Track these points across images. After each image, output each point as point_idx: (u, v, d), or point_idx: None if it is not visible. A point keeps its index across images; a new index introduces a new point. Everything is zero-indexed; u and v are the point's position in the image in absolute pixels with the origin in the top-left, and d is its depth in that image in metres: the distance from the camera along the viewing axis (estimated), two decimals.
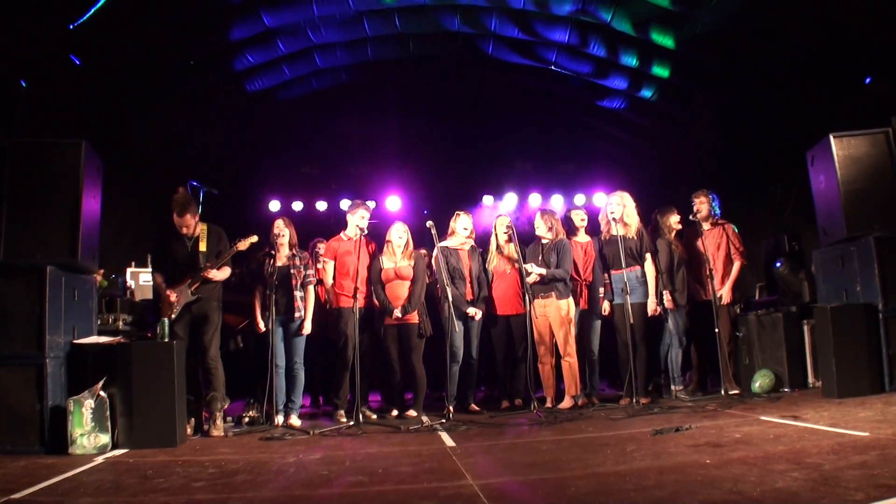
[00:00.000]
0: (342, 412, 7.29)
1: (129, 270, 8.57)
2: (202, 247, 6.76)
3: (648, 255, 7.51)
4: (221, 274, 6.81)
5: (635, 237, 7.53)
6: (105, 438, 5.63)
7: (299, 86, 10.62)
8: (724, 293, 7.67)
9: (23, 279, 5.79)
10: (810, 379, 7.45)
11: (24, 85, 6.76)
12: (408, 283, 7.41)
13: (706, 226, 7.74)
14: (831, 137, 6.91)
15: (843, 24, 7.51)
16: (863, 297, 6.71)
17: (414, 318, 7.38)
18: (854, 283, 6.84)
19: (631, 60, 9.61)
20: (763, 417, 5.70)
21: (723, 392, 7.17)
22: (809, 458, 3.96)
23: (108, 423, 5.66)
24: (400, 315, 7.31)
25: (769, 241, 9.15)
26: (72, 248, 5.93)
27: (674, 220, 7.88)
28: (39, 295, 5.75)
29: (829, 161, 6.93)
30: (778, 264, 8.55)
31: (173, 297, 6.58)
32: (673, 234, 7.84)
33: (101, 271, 7.35)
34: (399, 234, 7.51)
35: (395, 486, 4.06)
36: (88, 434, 5.59)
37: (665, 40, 9.08)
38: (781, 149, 8.90)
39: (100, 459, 5.28)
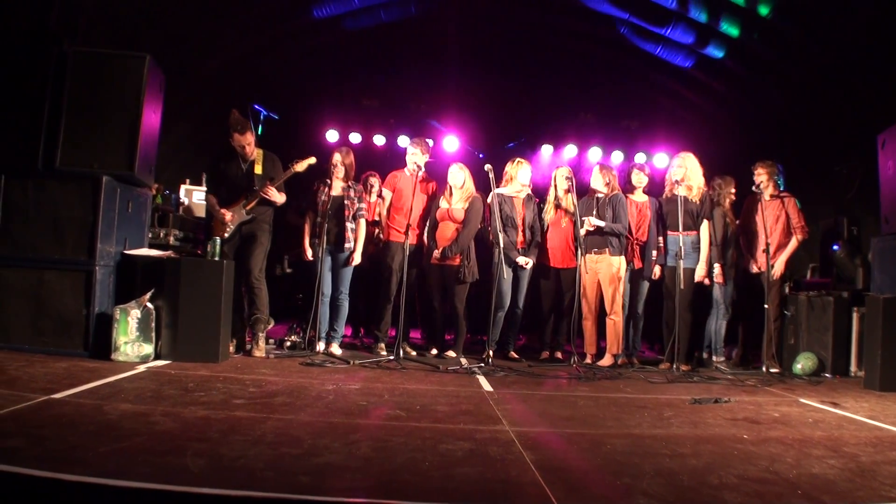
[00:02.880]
0: (383, 345, 7.39)
1: (183, 187, 8.65)
2: (257, 170, 6.80)
3: (706, 221, 7.35)
4: (279, 196, 6.84)
5: (698, 200, 7.37)
6: (148, 348, 5.75)
7: (367, 16, 10.46)
8: (778, 266, 7.45)
9: (78, 187, 5.89)
10: (853, 367, 7.29)
11: None
12: (456, 226, 7.36)
13: (766, 197, 7.49)
14: None
15: None
16: None
17: (457, 261, 7.32)
18: None
19: (703, 17, 9.29)
20: (802, 400, 5.64)
21: (763, 369, 7.08)
22: (847, 448, 3.92)
23: (153, 334, 5.78)
24: (439, 256, 7.31)
25: (828, 222, 8.94)
26: (129, 160, 6.00)
27: (731, 190, 7.73)
28: (94, 204, 5.86)
29: None
30: (835, 247, 8.37)
31: (228, 217, 6.64)
32: (728, 204, 7.70)
33: (157, 186, 7.43)
34: (454, 176, 7.44)
35: (431, 423, 4.10)
36: (132, 342, 5.72)
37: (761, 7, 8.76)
38: (852, 129, 8.62)
39: (142, 368, 5.41)
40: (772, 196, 7.53)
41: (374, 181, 8.04)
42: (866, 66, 8.16)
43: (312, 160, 7.00)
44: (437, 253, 7.31)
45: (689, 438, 4.03)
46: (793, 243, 7.51)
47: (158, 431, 3.49)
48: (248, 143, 6.73)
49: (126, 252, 6.22)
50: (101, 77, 6.01)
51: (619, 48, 10.89)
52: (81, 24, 6.53)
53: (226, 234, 6.60)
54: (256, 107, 8.28)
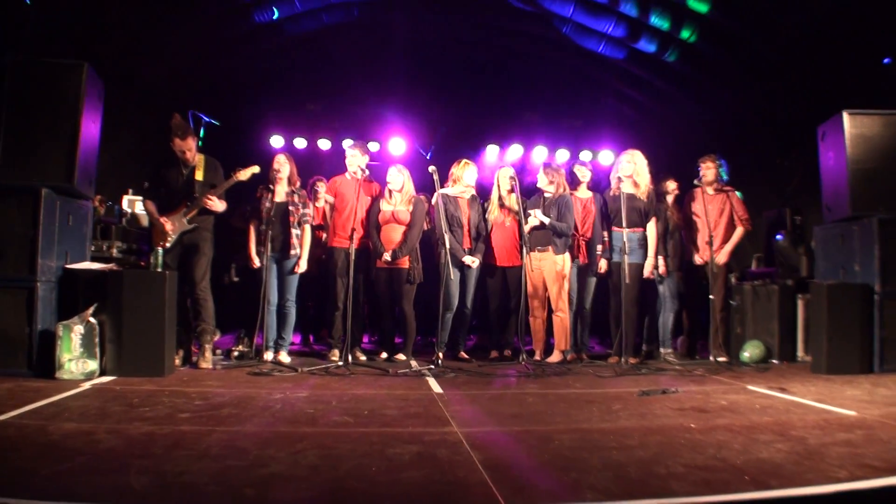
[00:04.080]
0: (336, 351, 7.30)
1: (126, 198, 8.48)
2: (198, 176, 6.67)
3: (653, 218, 7.43)
4: (220, 204, 6.73)
5: (644, 198, 7.43)
6: (93, 364, 5.63)
7: (309, 20, 10.39)
8: (722, 255, 7.54)
9: (17, 201, 5.73)
10: (800, 353, 7.47)
11: (28, 2, 6.60)
12: (403, 228, 7.35)
13: (710, 191, 7.62)
14: (844, 114, 6.87)
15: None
16: (860, 276, 6.71)
17: (405, 263, 7.33)
18: (853, 263, 6.84)
19: (655, 20, 9.38)
20: (750, 387, 5.72)
21: (711, 359, 7.18)
22: (794, 432, 3.97)
23: (97, 350, 5.67)
24: (390, 259, 7.29)
25: (772, 212, 9.10)
26: (68, 172, 5.88)
27: (671, 186, 7.87)
28: (33, 218, 5.70)
29: (840, 138, 6.90)
30: (779, 237, 8.53)
31: (168, 226, 6.52)
32: (670, 200, 7.82)
33: (99, 197, 7.27)
34: (392, 179, 7.44)
35: (379, 428, 4.08)
36: (76, 359, 5.59)
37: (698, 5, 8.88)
38: (794, 122, 8.80)
39: (86, 385, 5.29)
40: (716, 190, 7.65)
41: (321, 185, 7.98)
42: (806, 61, 8.34)
43: (256, 169, 6.89)
44: (386, 255, 7.28)
45: (636, 430, 4.05)
46: (738, 233, 7.63)
47: (102, 450, 3.41)
48: (189, 148, 6.62)
49: (67, 266, 6.07)
50: (38, 87, 5.90)
51: (562, 48, 10.97)
52: (23, 34, 6.39)
53: (167, 244, 6.48)
54: (197, 113, 8.14)
